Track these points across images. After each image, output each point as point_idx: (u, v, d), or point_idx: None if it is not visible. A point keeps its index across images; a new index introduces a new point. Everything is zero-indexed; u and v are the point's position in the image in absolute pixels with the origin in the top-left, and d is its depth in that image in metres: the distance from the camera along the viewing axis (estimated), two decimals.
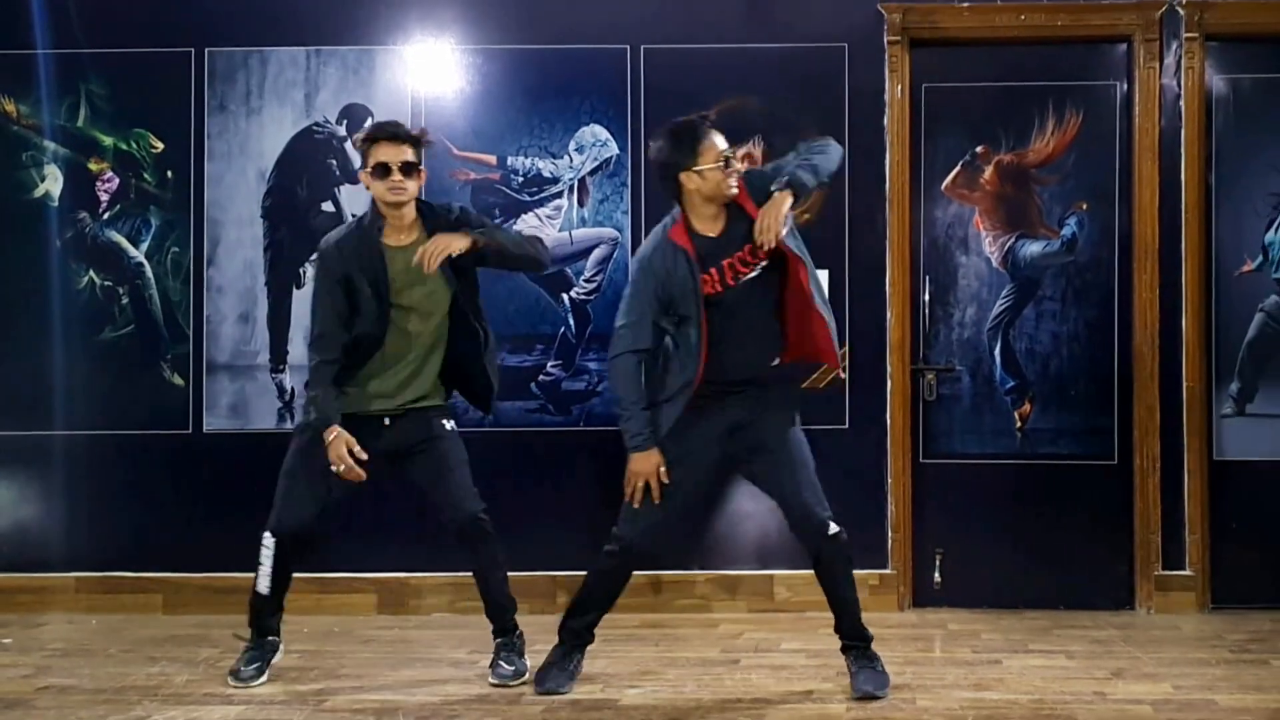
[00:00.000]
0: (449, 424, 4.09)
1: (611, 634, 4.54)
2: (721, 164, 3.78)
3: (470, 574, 4.16)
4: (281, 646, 4.17)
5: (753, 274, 3.83)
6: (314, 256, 3.99)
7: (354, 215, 5.02)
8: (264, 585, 4.02)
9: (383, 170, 3.89)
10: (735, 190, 3.80)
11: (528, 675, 4.05)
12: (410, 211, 3.96)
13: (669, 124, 3.87)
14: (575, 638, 4.04)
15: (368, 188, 3.97)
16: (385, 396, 4.01)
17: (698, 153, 3.77)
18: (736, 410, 3.87)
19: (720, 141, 3.80)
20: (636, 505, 3.88)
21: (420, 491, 4.09)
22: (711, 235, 3.84)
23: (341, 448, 3.88)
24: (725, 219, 3.86)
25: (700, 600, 5.05)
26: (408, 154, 3.91)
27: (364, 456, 3.89)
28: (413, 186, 3.92)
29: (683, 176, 3.79)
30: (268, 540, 4.00)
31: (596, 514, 4.81)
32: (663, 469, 3.84)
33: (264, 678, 4.05)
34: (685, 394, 3.83)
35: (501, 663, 4.08)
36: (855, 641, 3.95)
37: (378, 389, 3.99)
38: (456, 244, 3.84)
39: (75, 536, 5.17)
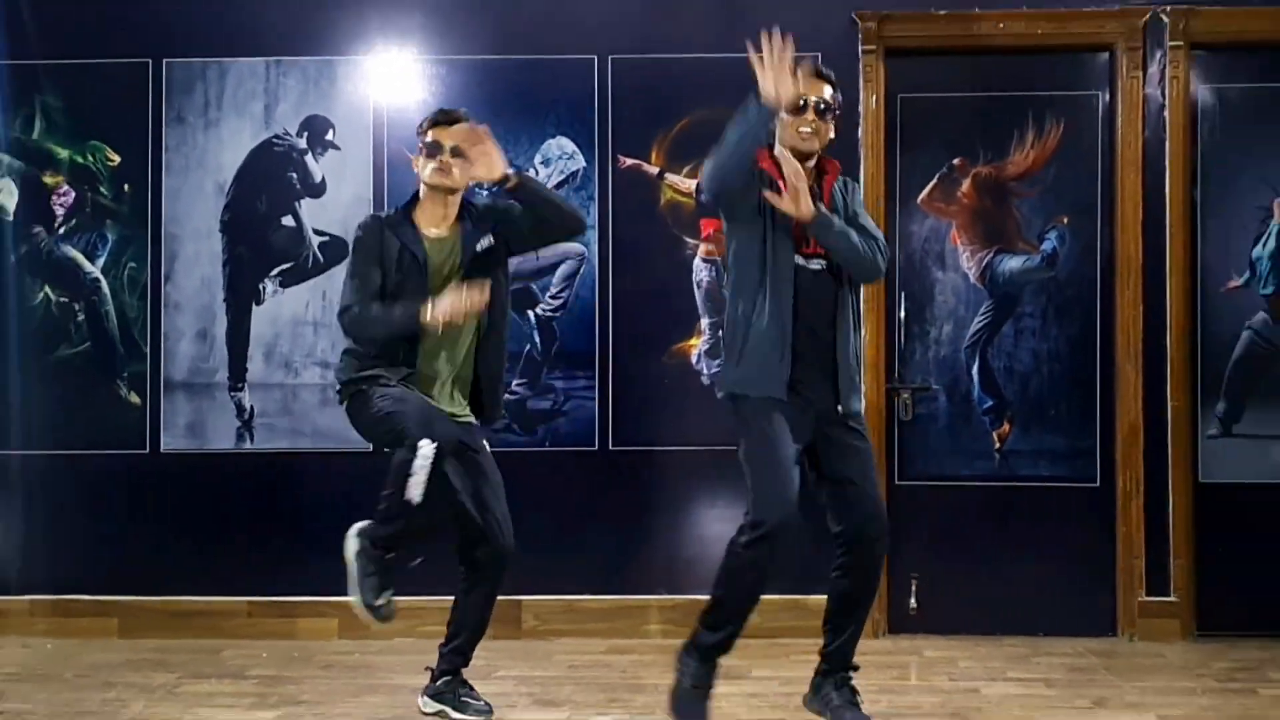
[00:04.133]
0: (486, 444, 4.00)
1: (577, 660, 4.67)
2: (798, 108, 3.63)
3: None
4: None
5: (816, 262, 3.68)
6: (356, 231, 3.92)
7: (315, 231, 5.18)
8: (417, 492, 3.59)
9: (434, 149, 3.86)
10: (806, 141, 3.64)
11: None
12: (453, 203, 3.92)
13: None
14: (712, 654, 3.73)
15: (416, 170, 3.92)
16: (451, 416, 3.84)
17: None
18: (819, 399, 3.69)
19: (809, 86, 3.64)
20: (777, 70, 3.51)
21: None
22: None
23: (457, 295, 3.71)
24: (814, 176, 3.72)
25: (667, 626, 4.99)
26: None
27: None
28: (459, 174, 3.87)
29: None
30: (425, 448, 3.58)
31: (562, 536, 5.04)
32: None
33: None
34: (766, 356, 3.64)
35: (468, 699, 3.93)
36: (844, 670, 3.79)
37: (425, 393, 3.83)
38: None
39: (30, 559, 5.17)
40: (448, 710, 3.92)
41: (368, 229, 3.89)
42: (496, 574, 3.94)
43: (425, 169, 3.89)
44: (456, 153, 3.85)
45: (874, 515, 3.69)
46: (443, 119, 3.91)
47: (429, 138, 3.88)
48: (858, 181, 4.90)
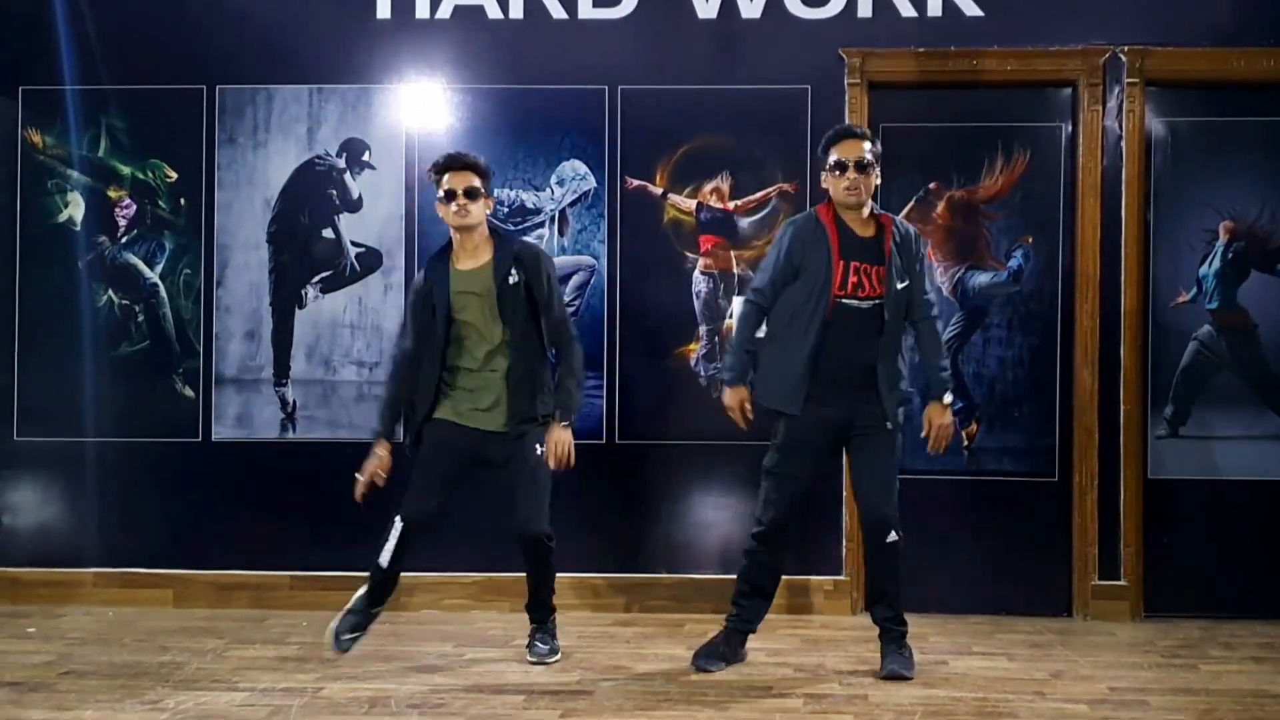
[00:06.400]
0: (540, 448, 4.26)
1: (586, 631, 4.79)
2: (834, 170, 4.10)
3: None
4: (377, 619, 4.38)
5: (869, 302, 4.12)
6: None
7: (352, 243, 5.29)
8: (385, 559, 4.19)
9: (449, 196, 4.13)
10: (852, 198, 4.06)
11: (560, 655, 4.36)
12: (480, 234, 4.21)
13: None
14: (737, 623, 4.32)
15: (441, 215, 4.24)
16: (482, 412, 4.22)
17: (827, 154, 4.16)
18: (842, 409, 4.14)
19: (844, 151, 4.09)
20: (743, 425, 4.17)
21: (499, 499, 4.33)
22: (857, 233, 4.12)
23: (371, 466, 4.17)
24: (874, 228, 4.15)
25: (667, 602, 5.15)
26: (472, 180, 4.15)
27: (380, 482, 4.20)
28: (476, 210, 4.16)
29: (823, 174, 4.18)
30: (397, 523, 4.19)
31: (573, 520, 5.02)
32: (747, 405, 4.17)
33: (357, 647, 4.28)
34: (793, 380, 4.10)
35: (537, 642, 4.36)
36: (886, 628, 4.23)
37: (472, 405, 4.23)
38: (568, 442, 4.23)
39: (94, 535, 5.31)
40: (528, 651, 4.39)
41: (415, 288, 4.30)
42: (526, 554, 4.30)
43: (447, 214, 4.18)
44: (470, 194, 4.13)
45: (872, 504, 4.19)
46: (452, 164, 4.17)
47: (445, 185, 4.14)
48: None
